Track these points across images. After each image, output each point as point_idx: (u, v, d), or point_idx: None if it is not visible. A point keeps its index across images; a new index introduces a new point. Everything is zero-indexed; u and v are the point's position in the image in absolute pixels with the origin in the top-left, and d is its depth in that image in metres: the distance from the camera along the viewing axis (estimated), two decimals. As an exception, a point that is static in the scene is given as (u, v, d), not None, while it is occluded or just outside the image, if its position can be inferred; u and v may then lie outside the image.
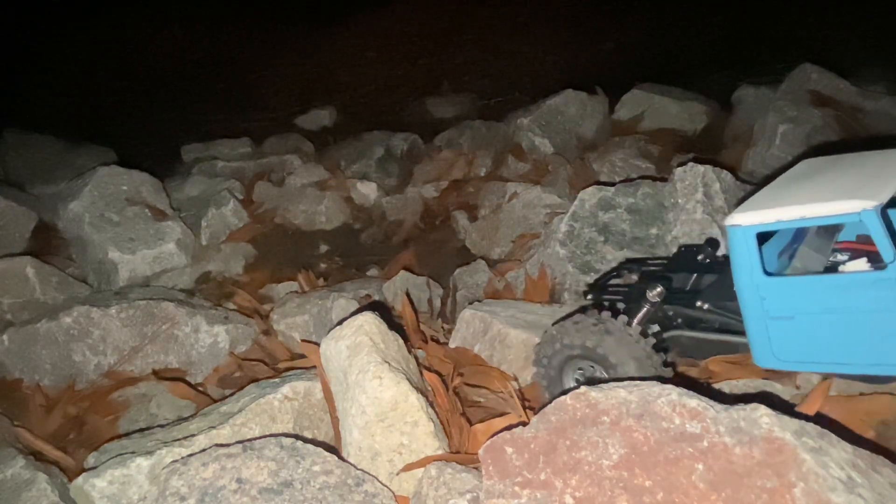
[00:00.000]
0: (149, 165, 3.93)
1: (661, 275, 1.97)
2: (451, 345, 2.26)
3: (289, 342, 2.78)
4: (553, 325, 1.78)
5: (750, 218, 1.48)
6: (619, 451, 1.20)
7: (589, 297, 2.05)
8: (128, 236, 3.30)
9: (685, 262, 2.03)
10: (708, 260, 2.00)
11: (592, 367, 1.70)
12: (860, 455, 1.16)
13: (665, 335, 1.81)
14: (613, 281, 2.09)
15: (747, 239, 1.49)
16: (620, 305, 1.88)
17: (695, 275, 1.95)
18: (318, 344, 1.85)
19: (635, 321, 1.77)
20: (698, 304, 1.78)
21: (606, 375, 1.66)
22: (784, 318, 1.47)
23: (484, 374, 2.03)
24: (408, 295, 2.73)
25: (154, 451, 1.72)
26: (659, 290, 1.78)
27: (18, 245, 3.60)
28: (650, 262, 2.16)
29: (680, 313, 1.82)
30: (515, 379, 2.00)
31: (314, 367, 1.94)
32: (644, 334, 1.67)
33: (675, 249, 2.39)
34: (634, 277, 2.08)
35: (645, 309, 1.80)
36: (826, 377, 1.65)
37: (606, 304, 1.92)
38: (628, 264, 2.21)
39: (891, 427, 1.54)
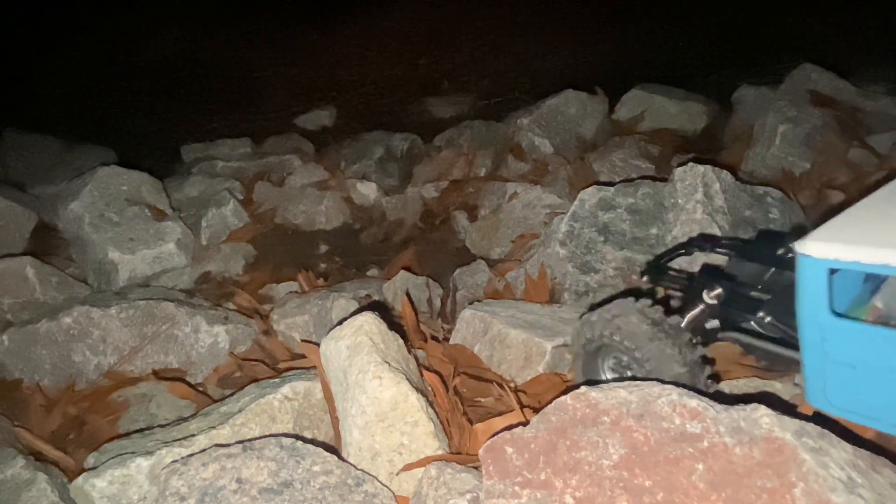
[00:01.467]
0: (149, 165, 3.93)
1: (724, 272, 1.74)
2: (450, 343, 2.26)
3: (289, 342, 2.78)
4: (592, 309, 1.64)
5: (825, 250, 1.21)
6: (619, 451, 1.20)
7: (645, 278, 1.87)
8: (128, 236, 3.30)
9: (763, 253, 1.75)
10: (790, 255, 1.68)
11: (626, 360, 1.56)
12: (860, 455, 1.16)
13: (720, 335, 1.65)
14: (676, 263, 1.88)
15: (817, 273, 1.23)
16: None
17: (771, 270, 1.68)
18: (317, 344, 1.85)
19: (685, 320, 1.60)
20: (760, 314, 1.57)
21: (639, 372, 1.52)
22: (846, 365, 1.25)
23: (481, 372, 2.03)
24: (408, 295, 2.73)
25: (154, 451, 1.72)
26: (717, 292, 1.62)
27: (18, 245, 3.60)
28: (724, 242, 1.91)
29: (738, 316, 1.62)
30: (512, 382, 2.00)
31: (314, 367, 1.94)
32: (693, 341, 1.50)
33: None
34: (700, 261, 1.85)
35: (699, 309, 1.63)
36: None
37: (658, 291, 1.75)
38: (699, 242, 1.95)
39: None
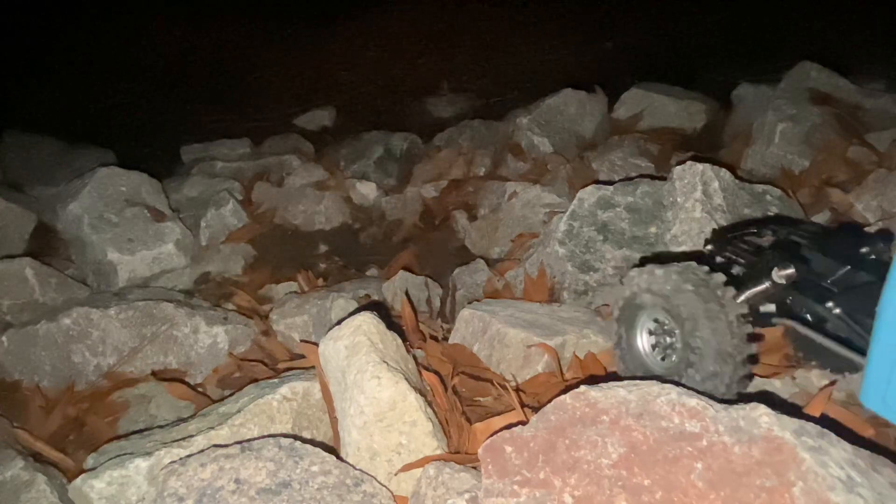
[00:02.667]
0: (148, 166, 3.92)
1: (798, 254, 1.64)
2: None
3: (288, 342, 2.77)
4: (641, 263, 1.60)
5: None
6: (618, 450, 1.20)
7: (708, 247, 1.81)
8: (127, 237, 3.30)
9: (843, 249, 1.65)
10: (872, 257, 1.61)
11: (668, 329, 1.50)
12: (860, 454, 1.16)
13: (774, 321, 1.59)
14: (745, 238, 1.78)
15: None
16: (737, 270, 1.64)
17: (847, 268, 1.58)
18: (316, 344, 1.85)
19: (744, 295, 1.53)
20: (829, 304, 1.50)
21: (678, 337, 1.47)
22: None
23: (481, 372, 2.02)
24: (407, 295, 2.73)
25: (153, 451, 1.72)
26: (790, 272, 1.52)
27: (17, 246, 3.59)
28: (802, 227, 1.82)
29: (802, 304, 1.55)
30: (511, 381, 2.00)
31: (313, 367, 1.93)
32: (746, 316, 1.43)
33: (673, 249, 2.38)
34: (769, 239, 1.76)
35: (764, 286, 1.54)
36: (832, 382, 1.64)
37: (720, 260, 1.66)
38: (774, 224, 1.83)
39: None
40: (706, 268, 1.52)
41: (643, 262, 1.64)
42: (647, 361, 1.65)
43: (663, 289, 1.50)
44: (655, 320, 1.57)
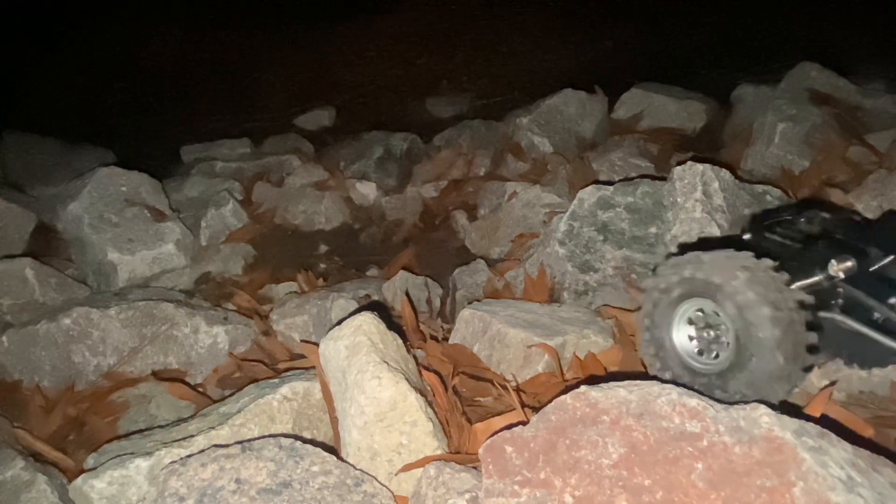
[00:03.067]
0: (148, 166, 3.92)
1: (853, 245, 1.53)
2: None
3: (288, 343, 2.78)
4: (684, 250, 1.49)
5: None
6: (618, 450, 1.20)
7: (747, 235, 1.70)
8: (127, 237, 3.29)
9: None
10: None
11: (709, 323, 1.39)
12: (860, 454, 1.16)
13: (822, 315, 1.47)
14: (787, 225, 1.67)
15: None
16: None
17: (890, 257, 1.49)
18: (317, 344, 1.85)
19: (798, 284, 1.42)
20: (892, 300, 1.39)
21: (730, 330, 1.35)
22: None
23: (481, 372, 2.03)
24: (407, 295, 2.73)
25: (153, 451, 1.72)
26: (849, 265, 1.42)
27: (18, 246, 3.59)
28: (851, 216, 1.74)
29: (853, 297, 1.44)
30: (512, 382, 2.00)
31: (313, 367, 1.93)
32: (805, 304, 1.34)
33: (673, 248, 2.38)
34: (812, 227, 1.65)
35: (816, 279, 1.44)
36: (833, 383, 1.63)
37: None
38: (817, 211, 1.71)
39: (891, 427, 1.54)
40: (752, 254, 1.41)
41: (682, 250, 1.54)
42: (688, 359, 1.54)
43: (711, 277, 1.39)
44: (700, 311, 1.46)
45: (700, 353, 1.53)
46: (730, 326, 1.41)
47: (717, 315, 1.44)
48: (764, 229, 1.67)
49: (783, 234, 1.66)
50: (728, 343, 1.43)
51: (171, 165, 4.79)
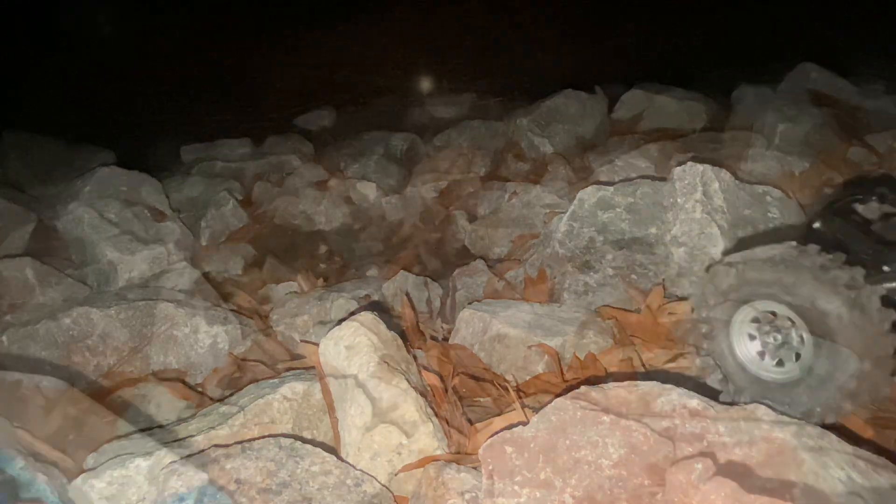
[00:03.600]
0: (148, 166, 3.93)
1: None
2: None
3: (288, 342, 2.77)
4: (738, 249, 1.37)
5: None
6: (618, 450, 1.20)
7: (817, 224, 1.56)
8: (127, 237, 3.29)
9: None
10: None
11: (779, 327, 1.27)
12: (860, 455, 1.16)
13: None
14: (858, 215, 1.53)
15: None
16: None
17: None
18: (317, 344, 1.85)
19: (883, 286, 1.30)
20: None
21: (803, 334, 1.24)
22: None
23: (481, 372, 2.02)
24: (407, 295, 2.73)
25: (153, 451, 1.72)
26: None
27: (18, 246, 3.59)
28: None
29: None
30: (512, 382, 2.00)
31: (313, 367, 1.93)
32: (888, 302, 1.22)
33: (673, 250, 2.37)
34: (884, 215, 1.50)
35: None
36: None
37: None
38: (884, 188, 1.57)
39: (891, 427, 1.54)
40: (819, 249, 1.30)
41: (739, 246, 1.41)
42: (753, 367, 1.41)
43: (782, 276, 1.27)
44: (772, 313, 1.33)
45: (762, 357, 1.40)
46: (798, 333, 1.30)
47: (790, 320, 1.31)
48: (834, 219, 1.54)
49: (861, 228, 1.51)
50: (801, 347, 1.32)
51: (172, 165, 4.79)
